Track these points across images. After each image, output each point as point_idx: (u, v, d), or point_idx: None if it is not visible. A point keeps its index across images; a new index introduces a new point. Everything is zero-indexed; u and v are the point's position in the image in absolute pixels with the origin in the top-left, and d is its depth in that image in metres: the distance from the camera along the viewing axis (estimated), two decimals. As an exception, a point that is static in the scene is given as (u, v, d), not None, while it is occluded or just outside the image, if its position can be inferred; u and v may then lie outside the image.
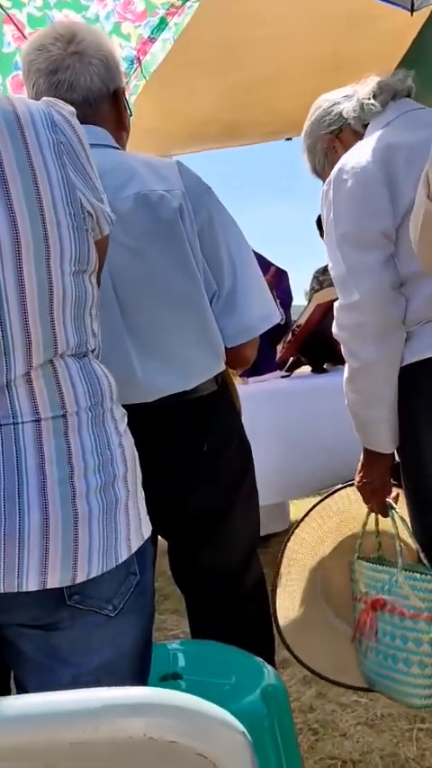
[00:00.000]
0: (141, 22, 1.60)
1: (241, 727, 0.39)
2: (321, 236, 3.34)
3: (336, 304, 1.22)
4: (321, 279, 3.17)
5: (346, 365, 1.24)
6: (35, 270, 0.71)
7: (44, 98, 0.78)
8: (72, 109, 0.79)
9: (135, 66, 1.64)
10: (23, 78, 1.18)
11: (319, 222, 3.15)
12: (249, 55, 2.36)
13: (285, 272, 3.31)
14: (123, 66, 1.65)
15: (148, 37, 1.61)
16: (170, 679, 1.02)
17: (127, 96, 1.70)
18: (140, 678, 0.81)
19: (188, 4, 1.55)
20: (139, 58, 1.63)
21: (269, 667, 1.08)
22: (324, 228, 1.23)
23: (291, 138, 3.67)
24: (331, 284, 2.96)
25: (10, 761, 0.37)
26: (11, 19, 1.64)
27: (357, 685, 1.37)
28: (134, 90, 1.70)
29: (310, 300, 3.21)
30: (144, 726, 0.37)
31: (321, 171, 1.37)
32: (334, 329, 1.23)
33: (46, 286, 0.72)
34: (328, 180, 1.22)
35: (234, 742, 0.37)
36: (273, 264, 3.23)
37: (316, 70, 2.61)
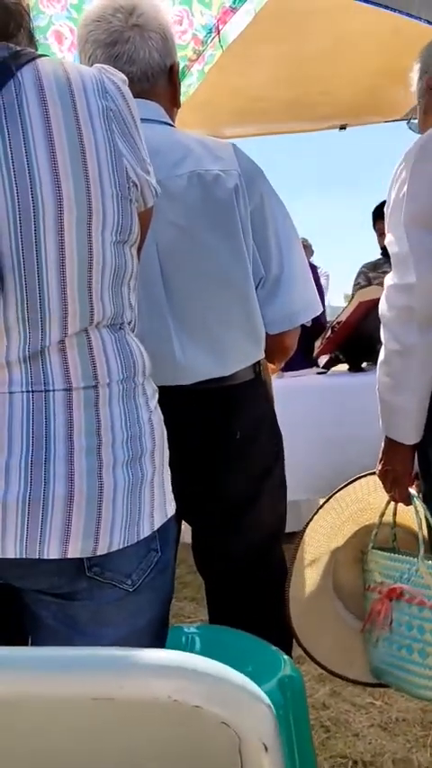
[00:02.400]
0: None
1: (267, 699, 0.38)
2: (374, 226, 3.27)
3: (388, 280, 1.18)
4: (371, 276, 3.12)
5: (383, 349, 1.20)
6: (76, 236, 0.71)
7: (96, 65, 0.78)
8: (123, 76, 0.78)
9: (213, 35, 1.60)
10: (78, 48, 1.17)
11: (376, 211, 3.09)
12: (303, 25, 2.28)
13: (315, 267, 3.28)
14: (201, 34, 1.62)
15: (230, 6, 1.57)
16: None
17: (201, 66, 1.68)
18: None
19: None
20: (218, 28, 1.59)
21: (286, 657, 1.07)
22: (391, 203, 1.18)
23: (345, 127, 3.55)
24: (380, 283, 2.91)
25: (31, 711, 0.37)
26: None
27: (364, 679, 1.34)
28: (209, 59, 1.66)
29: (353, 296, 3.17)
30: (170, 688, 0.36)
31: (414, 109, 1.30)
32: (381, 307, 1.19)
33: (86, 253, 0.72)
34: (406, 154, 1.17)
35: (259, 713, 0.36)
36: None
37: (375, 48, 2.52)
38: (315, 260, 6.42)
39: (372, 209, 3.20)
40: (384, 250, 3.07)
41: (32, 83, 0.70)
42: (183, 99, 1.24)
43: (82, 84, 0.72)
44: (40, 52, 0.77)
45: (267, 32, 1.93)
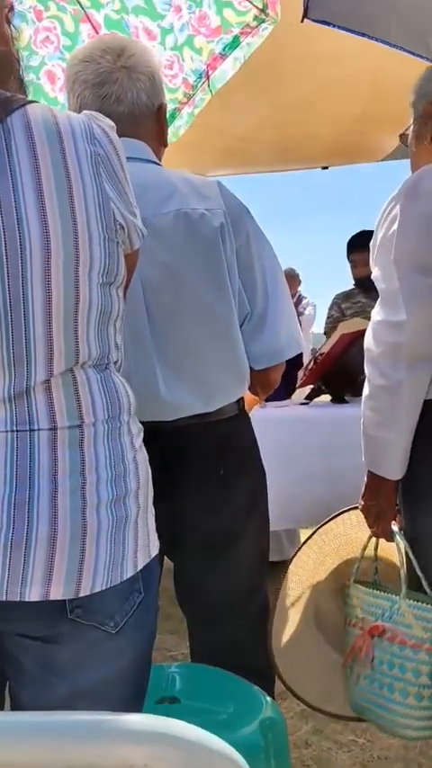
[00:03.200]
0: (215, 38, 1.62)
1: (245, 765, 0.38)
2: (348, 256, 3.29)
3: (376, 316, 1.18)
4: (344, 306, 3.15)
5: (368, 384, 1.20)
6: (63, 278, 0.71)
7: (85, 111, 0.79)
8: (111, 123, 0.80)
9: (203, 80, 1.65)
10: (66, 88, 1.19)
11: (351, 242, 3.13)
12: (292, 72, 2.37)
13: (302, 297, 3.32)
14: (191, 78, 1.67)
15: (220, 53, 1.63)
16: (167, 702, 1.00)
17: (191, 109, 1.74)
18: (137, 699, 0.80)
19: (263, 26, 1.57)
20: (208, 73, 1.65)
21: (268, 699, 1.06)
22: (379, 239, 1.19)
23: (327, 167, 3.67)
24: (355, 314, 2.95)
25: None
26: (88, 18, 1.68)
27: (345, 714, 1.33)
28: (199, 103, 1.72)
29: (326, 329, 3.20)
30: (145, 755, 0.36)
31: (408, 138, 1.29)
32: (367, 342, 1.20)
33: (72, 294, 0.72)
34: (398, 192, 1.17)
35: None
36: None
37: (355, 95, 2.62)
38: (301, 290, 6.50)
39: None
40: (358, 281, 3.11)
41: (22, 128, 0.71)
42: (172, 140, 1.27)
43: (71, 130, 0.74)
44: (31, 92, 0.79)
45: (254, 78, 2.00)
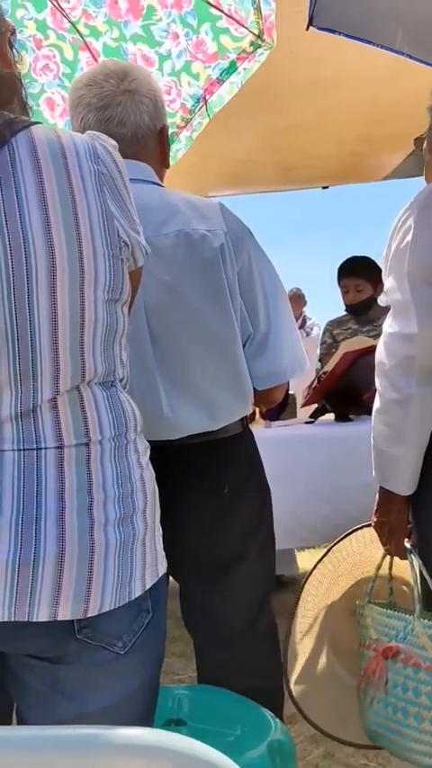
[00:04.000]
0: (212, 64, 1.66)
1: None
2: (339, 281, 3.26)
3: (387, 328, 1.17)
4: (335, 333, 3.15)
5: (379, 397, 1.18)
6: (69, 295, 0.72)
7: (88, 131, 0.81)
8: (114, 143, 0.81)
9: (201, 104, 1.69)
10: (70, 111, 1.21)
11: (342, 268, 3.12)
12: (292, 98, 2.42)
13: (306, 318, 3.31)
14: (189, 103, 1.71)
15: (217, 78, 1.67)
16: (173, 725, 0.99)
17: (189, 133, 1.77)
18: (145, 720, 0.79)
19: (259, 51, 1.60)
20: (205, 98, 1.69)
21: (277, 721, 1.04)
22: (392, 251, 1.17)
23: (327, 187, 3.70)
24: (346, 338, 2.93)
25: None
26: (87, 46, 1.72)
27: (362, 742, 1.29)
28: (197, 127, 1.77)
29: (320, 356, 3.20)
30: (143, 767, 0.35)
31: (424, 145, 1.26)
32: (379, 354, 1.18)
33: (78, 311, 0.73)
34: (412, 203, 1.16)
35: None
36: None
37: (354, 118, 2.67)
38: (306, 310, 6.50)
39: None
40: (349, 307, 3.11)
41: (26, 149, 0.73)
42: (171, 163, 1.29)
43: (74, 150, 0.75)
44: (33, 118, 0.80)
45: (253, 104, 2.05)
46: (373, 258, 2.92)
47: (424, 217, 1.13)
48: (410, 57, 1.28)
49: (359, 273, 2.95)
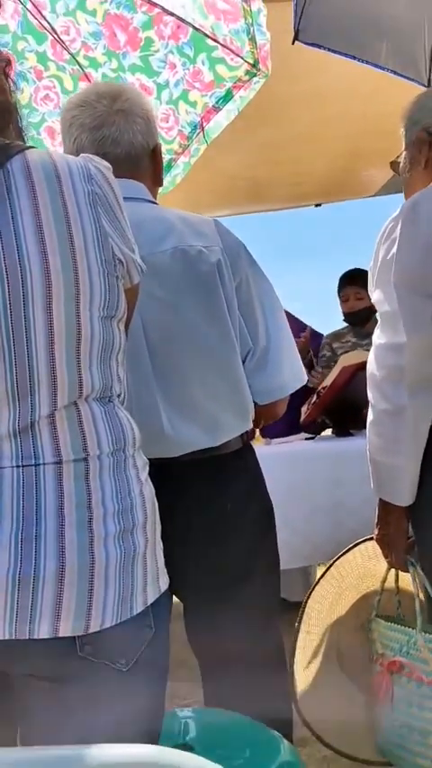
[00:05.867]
0: (208, 92, 1.71)
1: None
2: (339, 291, 3.28)
3: (377, 339, 1.17)
4: (335, 346, 3.17)
5: (372, 409, 1.18)
6: (65, 311, 0.73)
7: (82, 154, 0.82)
8: (107, 164, 0.82)
9: (198, 131, 1.75)
10: (63, 133, 1.22)
11: (343, 278, 3.15)
12: (281, 112, 2.46)
13: (321, 335, 3.32)
14: (186, 130, 1.77)
15: (213, 106, 1.72)
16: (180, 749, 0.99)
17: (187, 159, 1.81)
18: (150, 739, 0.77)
19: (255, 79, 1.65)
20: (202, 125, 1.74)
21: (286, 742, 1.03)
22: (379, 262, 1.18)
23: (320, 204, 3.71)
24: (345, 351, 2.94)
25: None
26: (86, 77, 1.77)
27: (374, 759, 1.29)
28: (194, 153, 1.82)
29: (320, 360, 3.21)
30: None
31: (401, 164, 1.30)
32: (370, 366, 1.19)
33: (74, 328, 0.74)
34: (396, 215, 1.17)
35: None
36: (308, 326, 3.27)
37: (346, 132, 2.70)
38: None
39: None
40: (347, 316, 3.14)
41: (21, 171, 0.74)
42: (170, 188, 1.30)
43: (68, 171, 0.76)
44: (31, 144, 0.81)
45: (247, 119, 2.08)
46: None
47: (408, 228, 1.14)
48: (394, 72, 1.31)
49: (360, 283, 2.98)
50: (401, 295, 1.13)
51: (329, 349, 3.18)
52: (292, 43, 1.11)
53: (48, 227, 0.73)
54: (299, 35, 1.10)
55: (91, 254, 0.75)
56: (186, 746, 1.00)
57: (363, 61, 1.20)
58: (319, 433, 2.62)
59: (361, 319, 3.00)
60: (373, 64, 1.21)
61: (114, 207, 0.80)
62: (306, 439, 2.57)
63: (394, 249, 1.14)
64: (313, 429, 2.60)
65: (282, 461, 2.22)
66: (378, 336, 1.17)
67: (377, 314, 1.21)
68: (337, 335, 3.20)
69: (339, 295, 3.12)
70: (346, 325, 3.18)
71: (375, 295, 1.20)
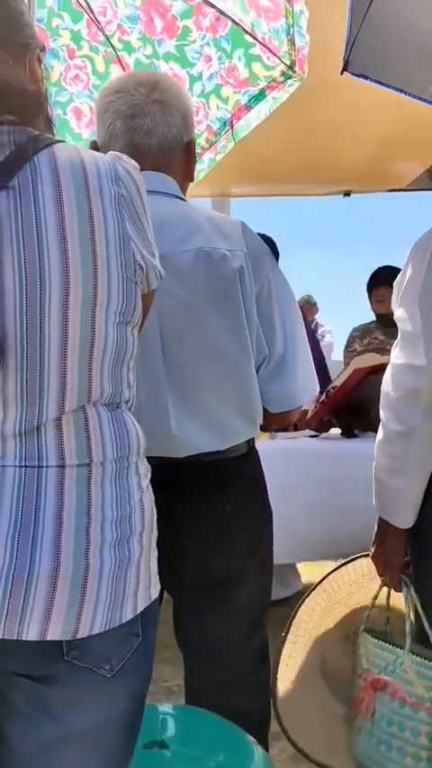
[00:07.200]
0: (241, 90, 1.68)
1: None
2: (370, 291, 3.25)
3: (395, 359, 1.16)
4: (366, 342, 3.14)
5: (383, 428, 1.17)
6: (80, 316, 0.72)
7: (111, 152, 0.81)
8: (136, 164, 0.81)
9: (227, 128, 1.72)
10: (97, 118, 1.20)
11: (373, 278, 3.11)
12: (317, 98, 2.42)
13: (318, 325, 3.31)
14: (215, 126, 1.74)
15: (245, 104, 1.68)
16: (156, 748, 0.99)
17: (213, 155, 1.79)
18: (128, 744, 0.80)
19: (289, 81, 1.62)
20: (232, 122, 1.71)
21: (260, 749, 1.04)
22: (406, 279, 1.16)
23: (349, 194, 3.64)
24: (374, 349, 2.93)
25: None
26: (119, 60, 1.74)
27: None
28: (221, 149, 1.79)
29: (347, 354, 3.21)
30: None
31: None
32: (385, 385, 1.17)
33: (89, 333, 0.73)
34: (430, 234, 1.14)
35: None
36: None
37: (378, 122, 2.65)
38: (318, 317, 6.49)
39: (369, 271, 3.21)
40: (379, 317, 3.11)
41: (48, 167, 0.73)
42: (194, 181, 1.28)
43: (96, 170, 0.75)
44: (57, 127, 0.79)
45: (282, 103, 2.03)
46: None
47: None
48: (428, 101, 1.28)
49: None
50: (426, 316, 1.11)
51: (359, 343, 3.16)
52: (341, 73, 1.09)
53: (70, 226, 0.72)
54: (348, 66, 1.08)
55: (112, 258, 0.74)
56: (162, 744, 1.00)
57: (409, 94, 1.17)
58: (327, 431, 2.62)
59: (392, 320, 2.97)
60: (418, 97, 1.18)
61: (139, 210, 0.79)
62: (311, 436, 2.57)
63: (424, 271, 1.12)
64: (319, 427, 2.61)
65: (283, 456, 2.23)
66: (396, 356, 1.16)
67: (398, 329, 1.19)
68: (365, 331, 3.18)
69: (370, 292, 3.08)
70: (373, 320, 3.16)
71: (399, 312, 1.18)
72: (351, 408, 2.49)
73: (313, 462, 2.34)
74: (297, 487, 2.18)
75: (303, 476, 2.25)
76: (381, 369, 2.29)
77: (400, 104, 2.48)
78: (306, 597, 1.33)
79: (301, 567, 2.84)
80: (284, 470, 2.14)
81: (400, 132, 2.70)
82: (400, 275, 1.20)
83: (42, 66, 0.82)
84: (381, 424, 1.18)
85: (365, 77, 1.11)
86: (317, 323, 6.39)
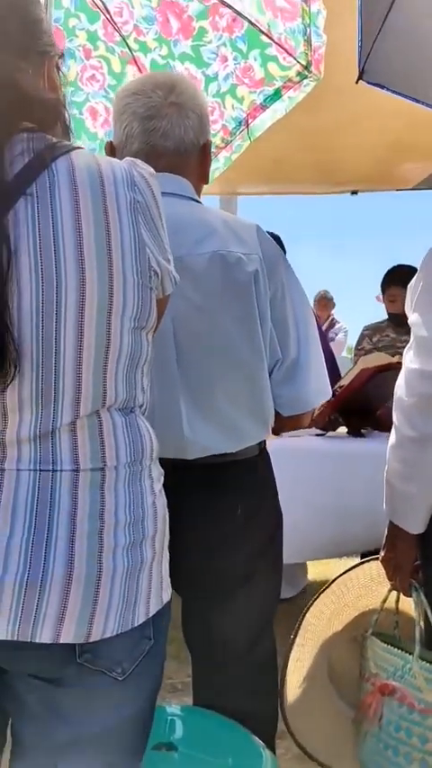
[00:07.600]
0: (257, 90, 1.68)
1: None
2: (383, 290, 3.22)
3: (410, 364, 1.16)
4: (374, 340, 3.13)
5: (395, 432, 1.18)
6: (96, 321, 0.73)
7: (127, 158, 0.82)
8: (152, 170, 0.81)
9: (242, 127, 1.73)
10: (114, 119, 1.21)
11: (387, 277, 3.09)
12: (325, 99, 2.41)
13: (335, 321, 3.31)
14: (231, 125, 1.74)
15: (261, 104, 1.69)
16: (164, 749, 0.99)
17: (228, 154, 1.79)
18: (138, 746, 0.81)
19: (305, 81, 1.62)
20: (247, 122, 1.72)
21: (268, 752, 1.05)
22: (422, 285, 1.16)
23: (356, 193, 3.64)
24: (384, 347, 2.91)
25: None
26: (135, 61, 1.74)
27: None
28: (236, 149, 1.80)
29: (357, 353, 3.20)
30: None
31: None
32: (398, 390, 1.17)
33: (104, 339, 0.74)
34: None
35: None
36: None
37: (387, 124, 2.65)
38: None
39: (379, 270, 3.20)
40: (391, 315, 3.09)
41: (66, 174, 0.74)
42: (209, 183, 1.28)
43: (112, 177, 0.76)
44: (73, 127, 0.80)
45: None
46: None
47: None
48: None
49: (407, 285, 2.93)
50: None
51: (369, 342, 3.14)
52: (356, 82, 1.09)
53: (87, 232, 0.73)
54: (363, 75, 1.08)
55: (127, 265, 0.75)
56: (171, 746, 1.01)
57: (423, 104, 1.17)
58: (334, 429, 2.62)
59: (405, 320, 2.96)
60: (423, 102, 1.18)
61: (155, 216, 0.79)
62: (316, 435, 2.57)
63: None
64: (326, 426, 2.61)
65: (289, 455, 2.22)
66: (411, 360, 1.16)
67: (411, 331, 1.19)
68: (376, 329, 3.17)
69: (385, 291, 3.06)
70: (386, 318, 3.14)
71: (413, 317, 1.17)
72: (358, 407, 2.48)
73: (318, 461, 2.33)
74: (301, 487, 2.17)
75: (308, 475, 2.24)
76: (388, 368, 2.29)
77: (412, 109, 2.48)
78: (315, 600, 1.33)
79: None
80: (288, 469, 2.12)
81: (411, 135, 2.70)
82: (414, 279, 1.19)
83: (60, 72, 0.83)
84: (393, 427, 1.19)
85: (381, 86, 1.11)
86: (333, 318, 6.30)
